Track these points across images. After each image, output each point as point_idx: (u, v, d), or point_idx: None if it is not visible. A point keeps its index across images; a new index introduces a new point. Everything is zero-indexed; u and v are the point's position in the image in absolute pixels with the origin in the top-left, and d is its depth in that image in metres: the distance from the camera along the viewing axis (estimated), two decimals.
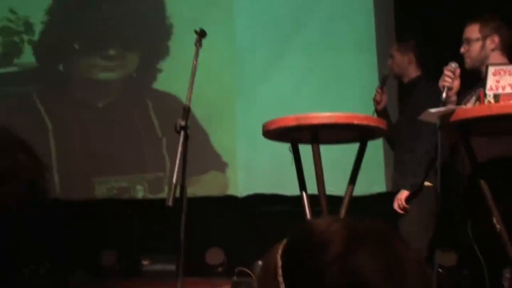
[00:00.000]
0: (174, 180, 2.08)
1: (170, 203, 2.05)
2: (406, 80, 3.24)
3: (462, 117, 2.18)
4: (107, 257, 4.57)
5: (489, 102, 2.15)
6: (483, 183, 2.24)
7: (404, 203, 2.93)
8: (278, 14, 4.36)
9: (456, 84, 2.41)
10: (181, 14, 4.47)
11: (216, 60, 4.30)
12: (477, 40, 2.55)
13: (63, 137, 4.59)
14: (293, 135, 2.42)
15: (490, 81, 2.15)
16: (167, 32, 4.54)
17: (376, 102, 3.15)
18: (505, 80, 2.13)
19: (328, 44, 4.24)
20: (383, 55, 4.17)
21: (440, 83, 2.42)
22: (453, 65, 2.42)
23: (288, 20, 4.33)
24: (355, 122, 2.26)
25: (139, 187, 4.52)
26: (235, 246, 4.23)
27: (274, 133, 2.43)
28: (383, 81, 3.21)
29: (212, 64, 4.28)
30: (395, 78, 3.31)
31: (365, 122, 2.28)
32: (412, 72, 3.22)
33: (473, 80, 2.62)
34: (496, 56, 2.54)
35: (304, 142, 2.52)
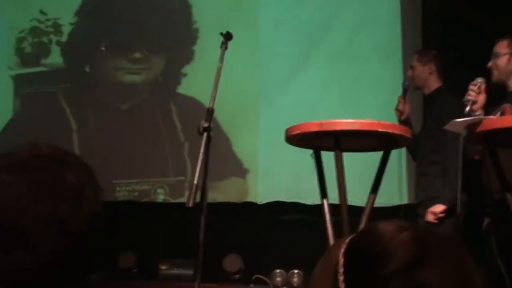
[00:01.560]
0: (195, 181, 2.08)
1: (190, 204, 2.05)
2: (427, 91, 3.21)
3: (488, 127, 2.15)
4: (125, 259, 4.59)
5: None
6: (508, 196, 2.20)
7: (439, 217, 2.89)
8: (302, 21, 4.35)
9: (481, 98, 2.47)
10: (207, 19, 4.50)
11: (240, 66, 4.31)
12: (504, 55, 2.64)
13: (87, 137, 4.64)
14: (315, 141, 2.41)
15: None
16: (192, 37, 4.57)
17: (399, 112, 3.12)
18: None
19: (353, 53, 4.21)
20: (408, 64, 4.13)
21: (465, 97, 2.46)
22: (479, 80, 2.50)
23: (313, 27, 4.33)
24: (379, 129, 2.24)
25: (160, 191, 4.53)
26: (253, 254, 4.21)
27: (296, 139, 2.42)
28: (404, 91, 3.17)
29: (236, 69, 4.28)
30: (415, 89, 3.27)
31: (389, 130, 2.26)
32: (433, 83, 3.19)
33: (501, 96, 2.65)
34: None
35: (327, 149, 2.50)
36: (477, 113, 2.43)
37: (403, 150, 3.58)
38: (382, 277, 0.65)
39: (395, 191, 4.03)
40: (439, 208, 2.91)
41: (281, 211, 4.39)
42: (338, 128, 2.26)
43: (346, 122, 2.27)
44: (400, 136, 2.29)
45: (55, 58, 4.72)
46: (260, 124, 4.39)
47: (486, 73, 2.70)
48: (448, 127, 2.42)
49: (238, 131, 4.47)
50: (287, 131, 2.42)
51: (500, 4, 3.64)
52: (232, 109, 4.36)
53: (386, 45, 4.16)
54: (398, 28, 4.18)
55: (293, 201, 4.29)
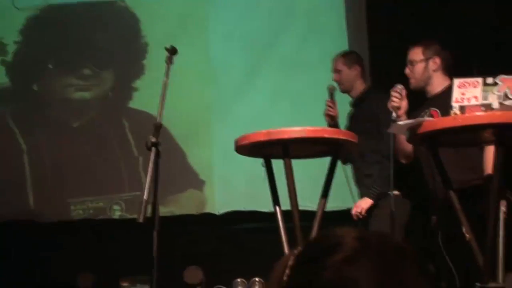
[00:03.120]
0: (145, 197, 2.09)
1: (141, 219, 2.06)
2: (354, 94, 3.21)
3: (429, 128, 2.23)
4: (84, 279, 4.52)
5: (455, 113, 2.21)
6: (452, 193, 2.29)
7: (364, 212, 2.97)
8: (252, 32, 4.42)
9: (404, 104, 2.57)
10: (156, 33, 4.50)
11: (191, 78, 4.34)
12: (420, 62, 2.72)
13: (38, 158, 4.56)
14: (265, 150, 2.45)
15: (456, 93, 2.21)
16: (142, 51, 4.57)
17: (329, 117, 3.09)
18: (470, 92, 2.20)
19: (301, 62, 4.29)
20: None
21: (389, 104, 2.56)
22: (399, 86, 2.59)
23: (261, 38, 4.39)
24: (326, 135, 2.30)
25: (116, 207, 4.50)
26: (213, 264, 4.22)
27: (246, 149, 2.46)
28: (331, 94, 3.14)
29: (187, 82, 4.31)
30: (343, 92, 3.25)
31: (335, 136, 2.32)
32: (360, 85, 3.22)
33: (421, 101, 2.76)
34: (439, 77, 2.73)
35: (277, 157, 2.55)
36: (402, 118, 2.53)
37: None
38: (313, 271, 0.70)
39: (348, 195, 4.10)
40: (367, 203, 2.97)
41: (239, 220, 4.42)
42: (285, 136, 2.31)
43: (293, 130, 2.33)
44: (346, 141, 2.35)
45: (1, 78, 4.64)
46: (214, 135, 4.41)
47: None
48: (391, 130, 2.50)
49: (192, 143, 4.48)
50: (236, 141, 2.46)
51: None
52: (186, 122, 4.38)
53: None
54: (344, 37, 4.28)
55: (250, 210, 4.33)
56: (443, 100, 2.59)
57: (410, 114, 2.59)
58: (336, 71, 3.24)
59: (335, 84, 3.23)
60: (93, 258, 4.45)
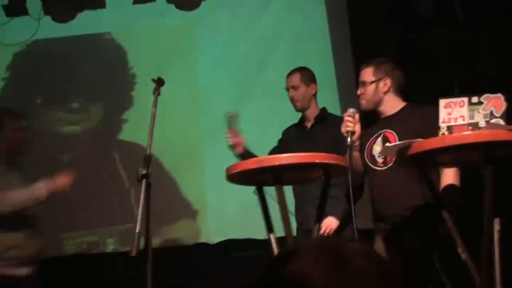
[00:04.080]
0: (137, 229, 2.09)
1: (133, 253, 2.05)
2: (310, 113, 3.17)
3: (418, 150, 2.25)
4: None
5: (443, 134, 2.23)
6: (445, 213, 2.30)
7: (332, 232, 2.97)
8: (239, 60, 4.46)
9: (357, 128, 2.54)
10: (143, 64, 4.54)
11: (180, 107, 4.36)
12: (371, 83, 2.68)
13: None
14: (256, 177, 2.45)
15: (442, 114, 2.23)
16: (130, 82, 4.60)
17: (233, 147, 3.03)
18: (457, 112, 2.22)
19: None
20: (344, 94, 4.28)
21: (343, 129, 2.54)
22: (351, 110, 2.55)
23: (249, 64, 4.44)
24: (317, 161, 2.31)
25: (109, 240, 4.47)
26: None
27: (237, 177, 2.46)
28: (229, 123, 3.06)
29: (177, 111, 4.33)
30: (299, 111, 3.19)
31: (326, 161, 2.33)
32: (315, 104, 3.19)
33: (373, 121, 2.74)
34: (390, 97, 2.69)
35: (269, 184, 2.55)
36: (356, 143, 2.53)
37: None
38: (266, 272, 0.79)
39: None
40: (336, 222, 2.98)
41: (235, 249, 4.39)
42: (276, 163, 2.31)
43: (284, 157, 2.33)
44: (337, 165, 2.36)
45: None
46: (205, 164, 4.42)
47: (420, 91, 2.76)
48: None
49: (184, 172, 4.48)
50: (227, 170, 2.45)
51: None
52: (176, 151, 4.39)
53: (320, 78, 4.30)
54: (330, 60, 4.34)
55: (245, 238, 4.31)
56: (398, 122, 2.62)
57: (361, 132, 2.58)
58: (293, 87, 3.17)
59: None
60: None
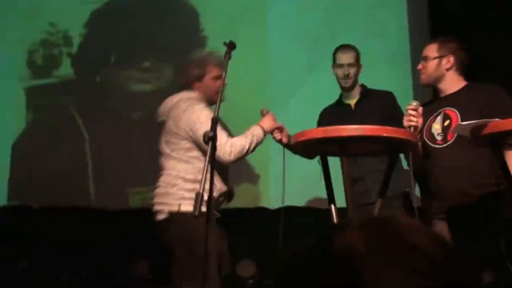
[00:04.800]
0: (201, 190, 2.12)
1: (196, 213, 2.09)
2: (356, 90, 3.15)
3: (495, 130, 2.16)
4: (140, 266, 4.64)
5: None
6: None
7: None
8: (311, 27, 4.38)
9: (420, 121, 2.46)
10: (214, 27, 4.54)
11: (249, 72, 4.34)
12: (434, 59, 2.65)
13: (99, 147, 4.71)
14: (321, 147, 2.43)
15: None
16: (200, 44, 4.62)
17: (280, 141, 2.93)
18: None
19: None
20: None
21: (405, 123, 2.46)
22: (414, 103, 2.49)
23: (320, 34, 4.35)
24: (384, 134, 2.25)
25: None
26: (266, 258, 4.23)
27: (302, 145, 2.44)
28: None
29: (245, 76, 4.32)
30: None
31: (394, 135, 2.27)
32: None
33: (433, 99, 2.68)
34: (452, 76, 2.65)
35: (333, 154, 2.53)
36: (418, 137, 2.45)
37: None
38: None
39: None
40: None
41: (294, 216, 4.40)
42: (343, 134, 2.28)
43: (351, 128, 2.29)
44: (404, 140, 2.30)
45: (66, 69, 4.80)
46: None
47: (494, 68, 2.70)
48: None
49: None
50: (293, 137, 2.44)
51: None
52: (243, 117, 4.39)
53: (394, 50, 4.17)
54: (406, 33, 4.19)
55: (305, 206, 4.31)
56: (460, 101, 2.56)
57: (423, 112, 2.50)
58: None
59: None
60: (149, 246, 4.56)
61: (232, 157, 2.75)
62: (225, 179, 2.81)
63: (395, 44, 4.07)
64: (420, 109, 2.48)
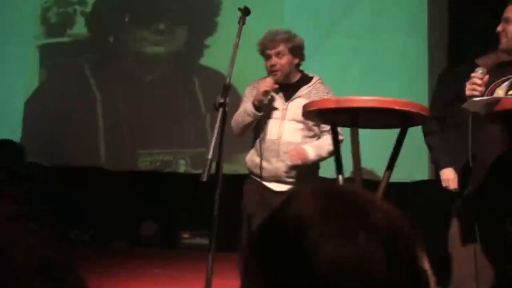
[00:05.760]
0: (210, 156, 2.12)
1: (204, 178, 2.09)
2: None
3: (508, 107, 2.12)
4: (148, 228, 4.71)
5: None
6: None
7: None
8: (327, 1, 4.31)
9: (482, 91, 2.27)
10: None
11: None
12: None
13: (111, 107, 4.72)
14: (332, 117, 2.42)
15: None
16: (215, 8, 4.57)
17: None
18: None
19: (377, 27, 4.16)
20: (435, 40, 4.07)
21: (468, 92, 2.28)
22: (480, 71, 2.26)
23: (336, 6, 4.29)
24: (396, 107, 2.23)
25: (181, 161, 4.61)
26: None
27: (313, 115, 2.43)
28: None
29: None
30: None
31: (406, 108, 2.24)
32: None
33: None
34: None
35: (344, 125, 2.51)
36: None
37: None
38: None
39: (416, 167, 4.03)
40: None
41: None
42: (354, 105, 2.25)
43: (363, 99, 2.27)
44: (417, 114, 2.28)
45: (80, 28, 4.78)
46: None
47: None
48: (466, 105, 2.39)
49: None
50: (304, 106, 2.43)
51: None
52: None
53: (412, 20, 4.10)
54: (424, 2, 4.11)
55: None
56: None
57: (493, 71, 2.32)
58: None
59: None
60: (157, 208, 4.61)
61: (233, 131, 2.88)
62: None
63: (412, 14, 4.00)
64: (486, 77, 2.25)
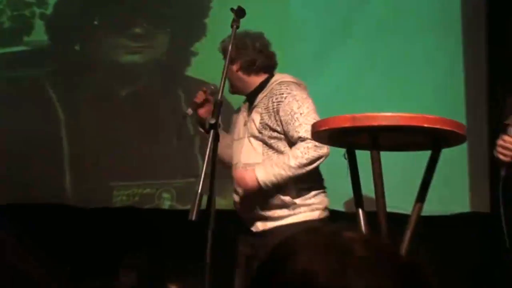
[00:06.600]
0: (199, 189, 2.16)
1: (193, 217, 2.12)
2: None
3: None
4: (125, 276, 4.70)
5: None
6: None
7: None
8: None
9: None
10: None
11: None
12: None
13: (78, 130, 4.74)
14: (349, 138, 2.46)
15: None
16: (204, 7, 4.63)
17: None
18: None
19: (398, 27, 4.21)
20: (470, 40, 4.12)
21: (496, 154, 2.42)
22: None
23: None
24: (425, 125, 2.27)
25: (165, 195, 4.62)
26: None
27: (326, 136, 2.47)
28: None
29: None
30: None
31: (437, 126, 2.29)
32: None
33: None
34: None
35: (363, 147, 2.55)
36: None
37: (465, 146, 3.58)
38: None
39: (455, 197, 4.04)
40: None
41: None
42: (375, 123, 2.30)
43: (385, 116, 2.31)
44: (451, 132, 2.32)
45: (39, 34, 4.82)
46: None
47: None
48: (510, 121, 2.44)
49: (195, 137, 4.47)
50: (314, 126, 2.47)
51: None
52: None
53: (442, 16, 4.15)
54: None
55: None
56: None
57: None
58: None
59: None
60: (136, 252, 4.61)
61: None
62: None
63: (442, 8, 4.04)
64: None
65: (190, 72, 4.69)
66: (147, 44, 4.72)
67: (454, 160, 3.57)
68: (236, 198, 3.00)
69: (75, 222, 4.61)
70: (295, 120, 2.81)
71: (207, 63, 4.50)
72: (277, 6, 4.44)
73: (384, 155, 2.49)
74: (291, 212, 2.92)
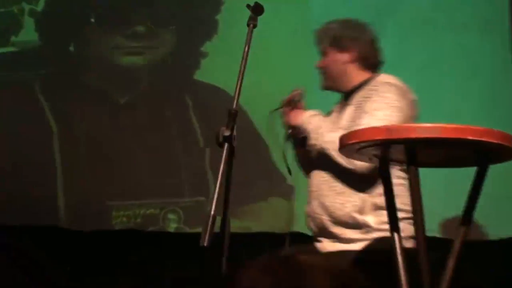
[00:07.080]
0: (212, 211, 2.15)
1: (205, 242, 2.11)
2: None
3: None
4: None
5: None
6: None
7: None
8: None
9: None
10: None
11: (283, 46, 4.35)
12: None
13: (72, 142, 4.76)
14: (382, 153, 2.45)
15: None
16: (215, 3, 4.64)
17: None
18: None
19: (435, 23, 4.21)
20: None
21: None
22: None
23: None
24: (470, 137, 2.26)
25: (171, 216, 4.63)
26: None
27: (354, 150, 2.46)
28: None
29: (277, 51, 4.33)
30: None
31: (484, 138, 2.27)
32: None
33: None
34: None
35: (398, 163, 2.53)
36: None
37: None
38: None
39: (507, 219, 4.03)
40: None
41: None
42: (411, 135, 2.28)
43: (424, 127, 2.30)
44: (500, 146, 2.30)
45: (29, 34, 4.86)
46: None
47: None
48: None
49: (280, 133, 4.50)
50: (341, 139, 2.46)
51: None
52: (272, 105, 4.40)
53: (486, 12, 4.15)
54: None
55: None
56: None
57: None
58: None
59: None
60: (139, 280, 4.62)
61: None
62: None
63: (489, 8, 4.05)
64: None
65: (199, 75, 4.69)
66: (150, 44, 4.74)
67: (503, 178, 3.56)
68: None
69: (70, 247, 4.62)
70: (366, 113, 2.86)
71: (218, 66, 4.52)
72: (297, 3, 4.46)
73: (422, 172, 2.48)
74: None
